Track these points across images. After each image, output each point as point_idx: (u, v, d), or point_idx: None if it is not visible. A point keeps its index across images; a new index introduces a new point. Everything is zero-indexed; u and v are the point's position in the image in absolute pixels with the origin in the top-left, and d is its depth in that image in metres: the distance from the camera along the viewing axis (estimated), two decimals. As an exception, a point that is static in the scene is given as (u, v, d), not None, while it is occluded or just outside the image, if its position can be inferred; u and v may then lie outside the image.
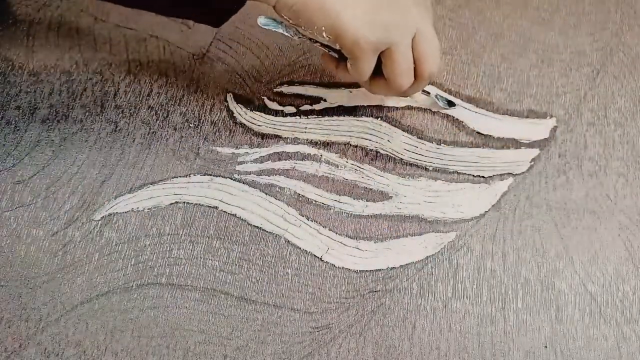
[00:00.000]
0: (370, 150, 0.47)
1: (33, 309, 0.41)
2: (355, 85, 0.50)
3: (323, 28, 0.38)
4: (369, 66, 0.40)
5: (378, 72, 0.41)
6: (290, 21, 0.39)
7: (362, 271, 0.43)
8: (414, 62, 0.41)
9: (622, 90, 0.51)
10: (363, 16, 0.37)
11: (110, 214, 0.44)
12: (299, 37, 0.42)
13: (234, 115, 0.48)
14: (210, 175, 0.46)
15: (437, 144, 0.48)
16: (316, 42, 0.43)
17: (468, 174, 0.47)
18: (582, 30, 0.53)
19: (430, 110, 0.49)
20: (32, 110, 0.48)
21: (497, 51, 0.52)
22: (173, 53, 0.51)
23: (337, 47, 0.40)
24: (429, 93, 0.49)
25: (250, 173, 0.46)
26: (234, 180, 0.46)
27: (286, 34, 0.41)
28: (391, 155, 0.47)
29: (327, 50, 0.43)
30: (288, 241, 0.44)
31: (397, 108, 0.49)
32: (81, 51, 0.51)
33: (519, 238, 0.44)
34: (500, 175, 0.47)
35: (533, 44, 0.53)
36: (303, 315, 0.41)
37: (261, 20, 0.40)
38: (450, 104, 0.49)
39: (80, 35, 0.52)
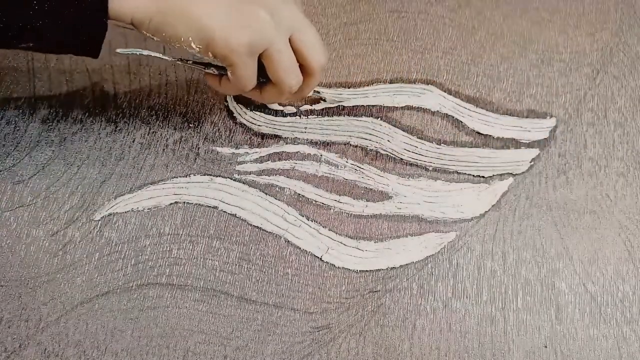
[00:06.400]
0: (370, 150, 0.47)
1: (33, 309, 0.41)
2: (353, 84, 0.50)
3: (190, 38, 0.35)
4: (249, 71, 0.38)
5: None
6: (155, 38, 0.36)
7: (362, 271, 0.43)
8: (299, 59, 0.39)
9: (622, 90, 0.51)
10: (228, 17, 0.35)
11: (110, 214, 0.44)
12: (172, 59, 0.40)
13: (234, 115, 0.48)
14: (210, 175, 0.46)
15: (437, 144, 0.48)
16: (190, 61, 0.40)
17: (468, 174, 0.47)
18: (582, 30, 0.53)
19: (430, 110, 0.49)
20: (32, 110, 0.48)
21: (497, 51, 0.52)
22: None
23: (213, 59, 0.37)
24: (319, 92, 0.48)
25: (250, 173, 0.46)
26: (233, 180, 0.46)
27: (153, 55, 0.38)
28: (391, 155, 0.47)
29: (207, 69, 0.41)
30: (288, 241, 0.44)
31: (397, 108, 0.49)
32: (81, 51, 0.51)
33: (519, 238, 0.44)
34: (500, 175, 0.47)
35: (533, 44, 0.53)
36: (303, 315, 0.41)
37: (119, 50, 0.38)
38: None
39: (80, 35, 0.52)
